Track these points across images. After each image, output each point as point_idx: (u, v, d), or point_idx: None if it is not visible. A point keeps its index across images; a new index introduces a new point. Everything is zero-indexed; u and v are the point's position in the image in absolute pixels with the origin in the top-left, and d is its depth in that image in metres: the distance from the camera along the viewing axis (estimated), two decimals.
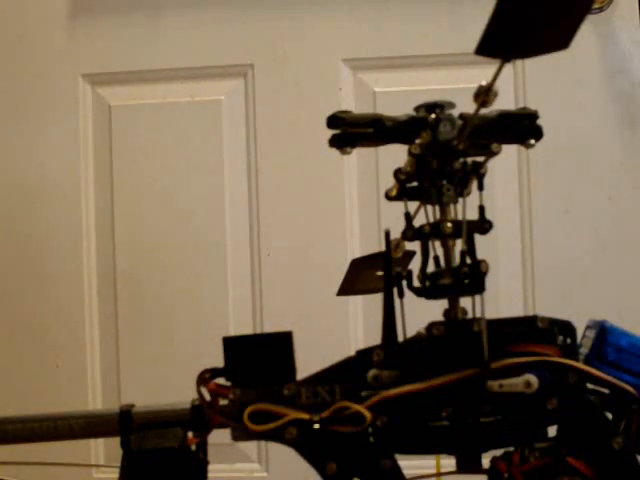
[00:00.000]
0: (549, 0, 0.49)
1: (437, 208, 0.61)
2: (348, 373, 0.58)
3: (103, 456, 1.44)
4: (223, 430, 0.60)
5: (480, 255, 0.61)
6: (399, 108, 0.64)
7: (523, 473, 0.59)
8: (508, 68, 0.54)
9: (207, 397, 0.59)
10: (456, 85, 1.34)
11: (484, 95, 0.52)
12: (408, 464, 0.60)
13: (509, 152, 1.34)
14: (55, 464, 1.27)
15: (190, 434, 0.62)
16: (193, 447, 0.62)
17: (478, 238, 0.62)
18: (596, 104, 1.40)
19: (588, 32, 1.38)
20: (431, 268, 0.61)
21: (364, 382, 0.58)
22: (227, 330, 1.40)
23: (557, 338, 0.59)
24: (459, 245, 0.60)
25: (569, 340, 0.59)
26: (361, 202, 1.42)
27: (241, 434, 0.58)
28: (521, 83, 1.40)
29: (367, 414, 0.57)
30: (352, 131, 0.60)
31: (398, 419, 0.58)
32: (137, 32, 1.45)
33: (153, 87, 1.46)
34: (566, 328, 0.59)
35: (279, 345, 0.59)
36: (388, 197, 0.63)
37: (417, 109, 0.62)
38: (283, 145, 1.43)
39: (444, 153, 0.60)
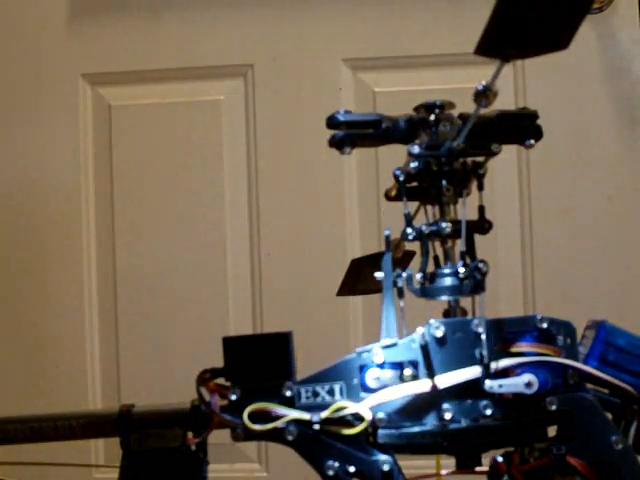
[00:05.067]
0: (549, 0, 0.49)
1: (437, 208, 0.61)
2: (348, 373, 0.58)
3: (103, 456, 1.44)
4: (223, 430, 0.60)
5: (480, 255, 0.61)
6: (399, 108, 0.64)
7: (523, 473, 0.59)
8: (508, 68, 0.54)
9: (207, 397, 0.59)
10: (456, 85, 1.34)
11: (484, 95, 0.52)
12: (408, 464, 0.60)
13: (509, 152, 1.33)
14: (55, 464, 1.27)
15: (190, 434, 0.62)
16: (193, 447, 0.62)
17: (478, 238, 0.62)
18: (596, 104, 1.40)
19: (588, 32, 1.38)
20: (431, 268, 0.61)
21: (364, 382, 0.58)
22: (227, 330, 1.40)
23: (557, 338, 0.59)
24: (459, 245, 0.60)
25: (569, 340, 0.59)
26: (361, 202, 1.42)
27: (241, 434, 0.58)
28: (521, 83, 1.41)
29: (367, 414, 0.57)
30: (352, 131, 0.60)
31: (398, 419, 0.58)
32: (137, 32, 1.46)
33: (153, 87, 1.46)
34: (566, 328, 0.59)
35: (279, 345, 0.59)
36: (388, 197, 0.63)
37: (417, 109, 0.62)
38: (283, 145, 1.43)
39: (444, 153, 0.60)
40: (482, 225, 0.62)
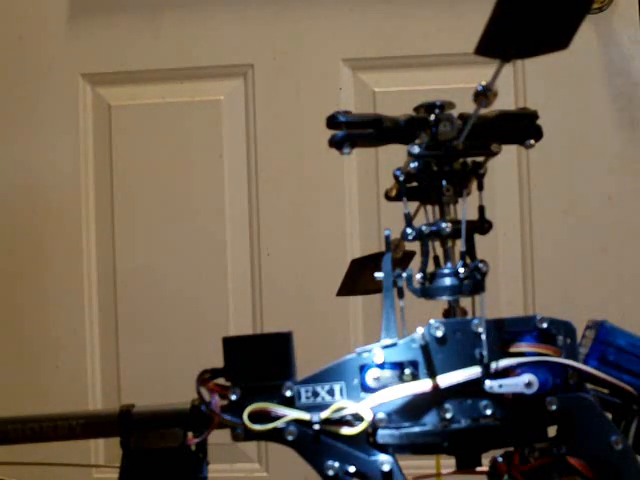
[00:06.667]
0: (549, 0, 0.49)
1: (437, 208, 0.61)
2: (348, 373, 0.58)
3: (103, 456, 1.44)
4: (223, 430, 0.60)
5: (480, 255, 0.61)
6: (399, 108, 0.64)
7: (523, 473, 0.59)
8: (508, 68, 0.54)
9: (207, 397, 0.59)
10: (456, 85, 1.34)
11: (484, 95, 0.52)
12: (408, 464, 0.60)
13: (509, 152, 1.34)
14: (55, 464, 1.27)
15: (190, 434, 0.62)
16: (193, 447, 0.62)
17: (478, 238, 0.62)
18: (596, 104, 1.40)
19: (588, 32, 1.38)
20: (431, 268, 0.61)
21: (364, 382, 0.58)
22: (227, 330, 1.40)
23: (557, 338, 0.59)
24: (459, 245, 0.60)
25: (569, 340, 0.59)
26: (361, 202, 1.42)
27: (241, 434, 0.58)
28: (521, 83, 1.41)
29: (367, 414, 0.57)
30: (352, 131, 0.60)
31: (398, 419, 0.58)
32: (137, 32, 1.45)
33: (153, 87, 1.46)
34: (566, 328, 0.59)
35: (279, 345, 0.59)
36: (388, 197, 0.63)
37: (417, 109, 0.62)
38: (283, 145, 1.43)
39: (444, 153, 0.60)
40: (482, 225, 0.62)
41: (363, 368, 0.58)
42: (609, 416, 0.60)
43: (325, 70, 1.43)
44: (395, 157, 0.66)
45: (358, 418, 0.57)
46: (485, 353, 0.57)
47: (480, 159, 0.62)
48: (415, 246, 0.62)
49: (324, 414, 0.57)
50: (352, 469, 0.58)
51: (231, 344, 0.60)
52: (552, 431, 0.59)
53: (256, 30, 1.44)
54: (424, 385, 0.57)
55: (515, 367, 0.57)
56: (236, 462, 1.41)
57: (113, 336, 1.45)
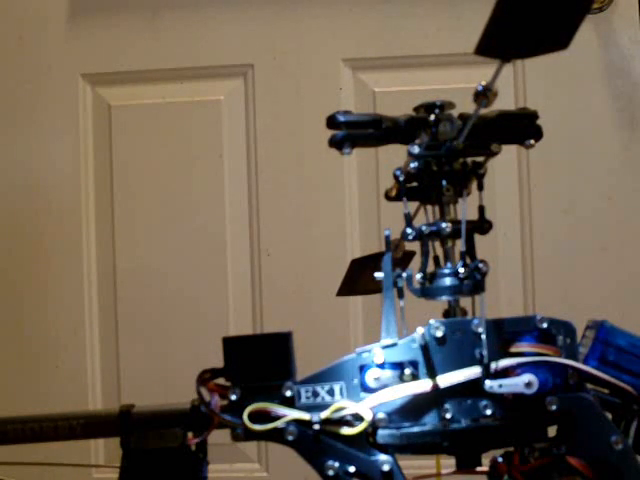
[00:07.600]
0: (549, 0, 0.49)
1: (437, 208, 0.61)
2: (348, 373, 0.58)
3: (103, 456, 1.44)
4: (223, 430, 0.60)
5: (480, 255, 0.61)
6: (399, 108, 0.64)
7: (523, 473, 0.59)
8: (508, 68, 0.54)
9: (207, 397, 0.59)
10: (456, 85, 1.34)
11: (484, 95, 0.52)
12: (408, 464, 0.60)
13: (509, 152, 1.33)
14: (55, 464, 1.27)
15: (190, 434, 0.62)
16: (193, 447, 0.62)
17: (478, 238, 0.62)
18: (596, 104, 1.40)
19: (588, 32, 1.38)
20: (431, 268, 0.61)
21: (364, 382, 0.58)
22: (227, 330, 1.40)
23: (557, 338, 0.59)
24: (459, 245, 0.60)
25: (569, 340, 0.59)
26: (361, 202, 1.42)
27: (241, 434, 0.58)
28: (521, 83, 1.41)
29: (367, 414, 0.57)
30: (352, 131, 0.60)
31: (398, 419, 0.58)
32: (137, 32, 1.46)
33: (153, 87, 1.46)
34: (566, 328, 0.59)
35: (279, 345, 0.59)
36: (388, 197, 0.63)
37: (417, 109, 0.62)
38: (283, 145, 1.43)
39: (444, 153, 0.60)
40: (482, 225, 0.62)
41: (363, 368, 0.58)
42: (609, 416, 0.60)
43: (325, 70, 1.43)
44: (395, 157, 0.66)
45: (358, 418, 0.57)
46: (485, 353, 0.57)
47: (480, 159, 0.62)
48: (415, 246, 0.62)
49: (324, 414, 0.57)
50: (352, 469, 0.58)
51: (231, 344, 0.60)
52: (552, 431, 0.59)
53: (256, 30, 1.44)
54: (424, 385, 0.57)
55: (515, 367, 0.57)
56: (236, 462, 1.41)
57: (113, 336, 1.45)
